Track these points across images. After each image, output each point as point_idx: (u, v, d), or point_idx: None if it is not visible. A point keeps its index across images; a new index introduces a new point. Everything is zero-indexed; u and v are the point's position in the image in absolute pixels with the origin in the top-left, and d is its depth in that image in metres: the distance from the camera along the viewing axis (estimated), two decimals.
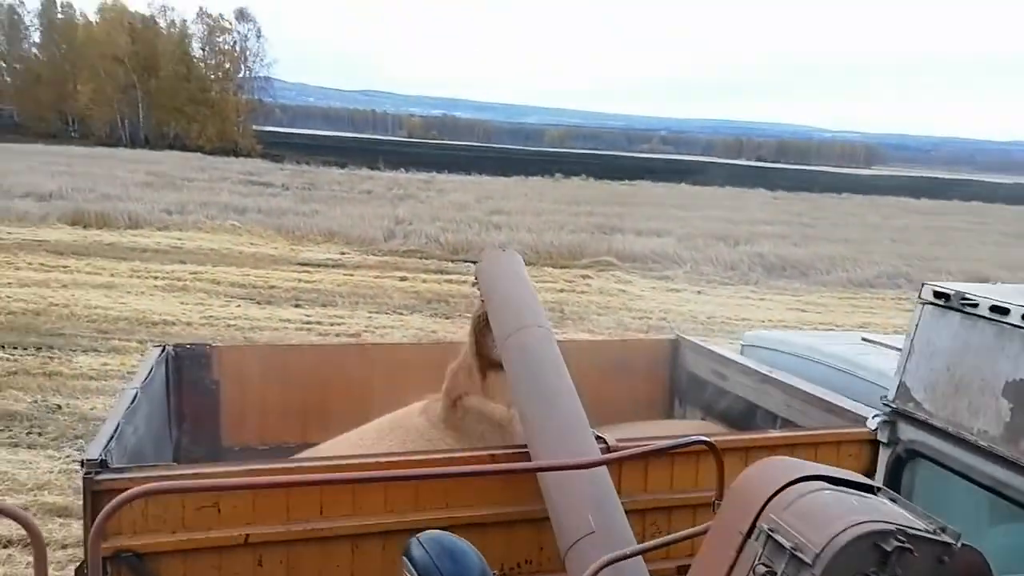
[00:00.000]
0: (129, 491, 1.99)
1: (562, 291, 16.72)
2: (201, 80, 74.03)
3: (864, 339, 6.64)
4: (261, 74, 77.48)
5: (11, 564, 5.80)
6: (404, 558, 1.55)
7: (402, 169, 48.67)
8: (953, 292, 2.51)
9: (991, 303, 2.35)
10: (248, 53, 75.25)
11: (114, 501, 1.97)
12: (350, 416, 5.39)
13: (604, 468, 3.69)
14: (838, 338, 7.16)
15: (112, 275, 15.35)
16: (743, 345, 7.00)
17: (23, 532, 6.04)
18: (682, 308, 15.85)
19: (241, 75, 75.76)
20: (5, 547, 5.94)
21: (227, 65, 75.46)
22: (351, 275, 17.13)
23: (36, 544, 1.80)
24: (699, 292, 18.09)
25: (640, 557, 3.08)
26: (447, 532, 1.60)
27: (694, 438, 3.07)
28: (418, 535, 1.59)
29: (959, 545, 1.83)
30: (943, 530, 1.85)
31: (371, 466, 3.77)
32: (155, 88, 70.14)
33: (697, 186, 51.97)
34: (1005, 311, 2.30)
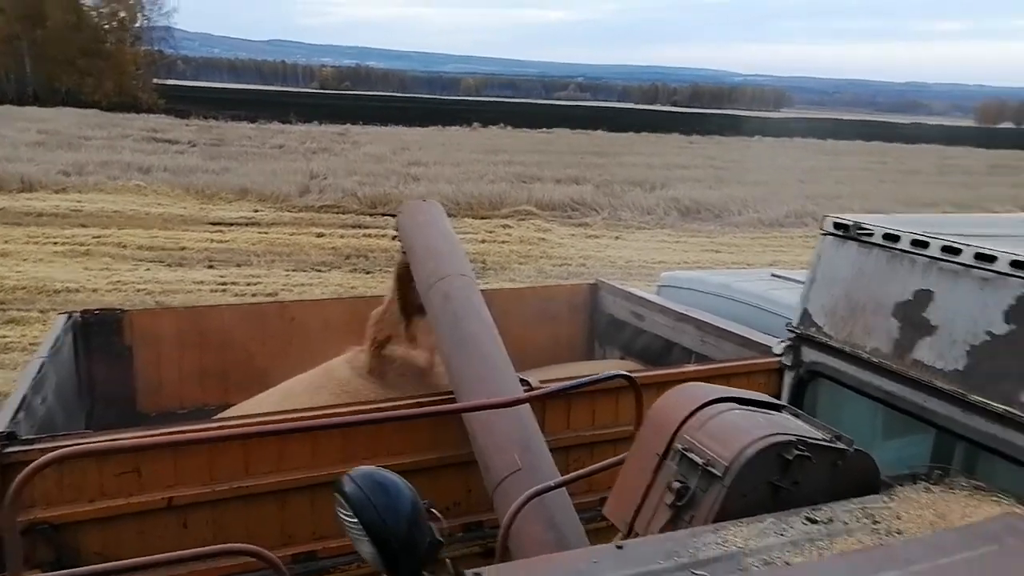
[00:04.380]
0: (42, 458, 1.91)
1: (483, 242, 16.71)
2: (94, 30, 69.13)
3: (773, 275, 6.95)
4: (160, 23, 73.00)
5: None
6: (336, 494, 1.57)
7: (315, 122, 47.03)
8: (851, 223, 2.64)
9: (884, 231, 2.49)
10: (145, 1, 70.65)
11: (26, 470, 1.90)
12: (273, 375, 5.34)
13: (528, 408, 3.78)
14: (749, 275, 7.45)
15: (6, 241, 14.45)
16: (659, 286, 7.21)
17: None
18: (601, 254, 16.11)
19: (138, 25, 71.19)
20: None
21: (122, 14, 70.69)
22: (266, 233, 16.64)
23: None
24: (617, 237, 18.39)
25: (564, 490, 3.19)
26: (378, 468, 1.62)
27: (613, 373, 3.18)
28: (349, 472, 1.60)
29: (852, 450, 1.98)
30: (838, 438, 2.00)
31: (295, 420, 3.75)
32: (42, 39, 65.11)
33: (614, 132, 52.33)
34: (896, 238, 2.44)
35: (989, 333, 2.12)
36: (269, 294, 12.05)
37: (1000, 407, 2.04)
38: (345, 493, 1.55)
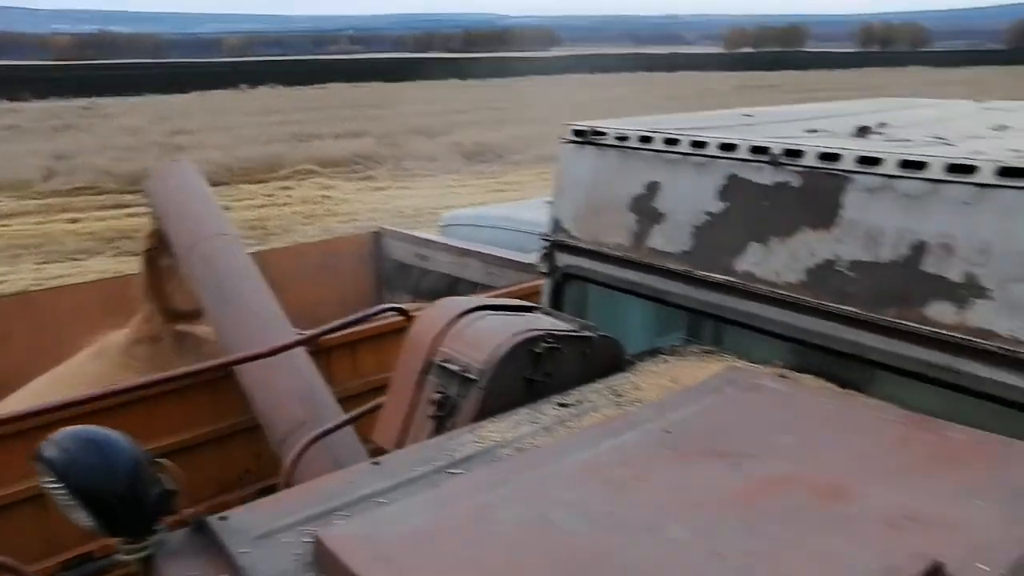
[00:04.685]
0: None
1: (263, 207, 15.85)
2: None
3: (547, 202, 7.22)
4: None
5: None
6: (37, 464, 1.37)
7: (54, 97, 41.91)
8: (588, 128, 2.74)
9: (616, 132, 2.61)
10: None
11: None
12: (25, 374, 4.77)
13: (307, 360, 3.66)
14: (526, 205, 7.69)
15: None
16: (442, 226, 7.25)
17: None
18: (389, 205, 15.92)
19: None
20: None
21: None
22: (6, 225, 14.68)
23: None
24: (404, 187, 18.24)
25: (351, 432, 3.14)
26: (87, 425, 1.44)
27: (384, 307, 3.15)
28: (49, 436, 1.41)
29: (597, 336, 2.09)
30: (584, 327, 2.10)
31: (46, 410, 3.35)
32: None
33: (390, 83, 51.49)
34: (625, 137, 2.57)
35: (707, 213, 2.30)
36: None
37: (721, 278, 2.23)
38: (45, 459, 1.36)
